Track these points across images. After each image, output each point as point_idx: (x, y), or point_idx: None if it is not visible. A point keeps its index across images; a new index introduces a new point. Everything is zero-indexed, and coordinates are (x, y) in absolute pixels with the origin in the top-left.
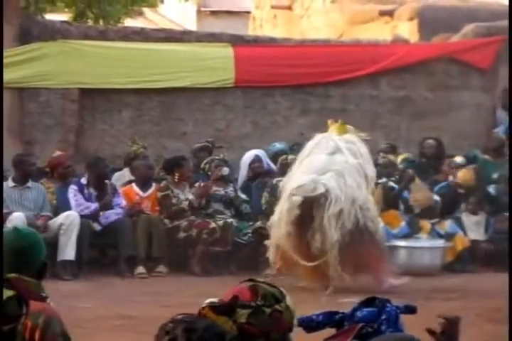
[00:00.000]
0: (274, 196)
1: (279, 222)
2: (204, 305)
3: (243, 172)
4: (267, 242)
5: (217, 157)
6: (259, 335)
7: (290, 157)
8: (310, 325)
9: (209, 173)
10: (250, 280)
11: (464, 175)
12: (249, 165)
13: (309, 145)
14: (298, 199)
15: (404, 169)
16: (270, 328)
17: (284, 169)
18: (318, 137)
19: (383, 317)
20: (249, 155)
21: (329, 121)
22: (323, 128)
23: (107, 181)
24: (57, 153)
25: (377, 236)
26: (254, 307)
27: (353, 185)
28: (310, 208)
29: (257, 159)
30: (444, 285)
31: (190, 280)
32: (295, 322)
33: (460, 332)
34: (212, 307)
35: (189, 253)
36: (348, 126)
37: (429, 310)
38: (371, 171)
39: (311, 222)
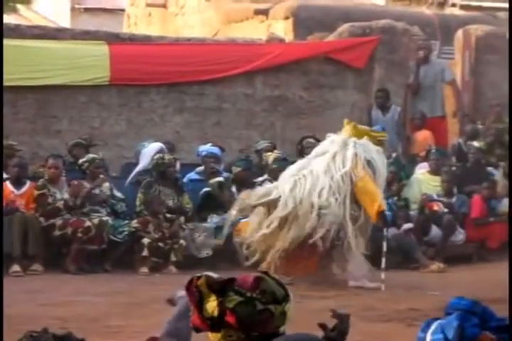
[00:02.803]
0: (148, 195)
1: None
2: (200, 275)
3: (144, 163)
4: None
5: (97, 156)
6: (237, 327)
7: (167, 157)
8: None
9: (87, 171)
10: (265, 273)
11: None
12: (154, 155)
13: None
14: (233, 213)
15: (280, 168)
16: (253, 325)
17: (159, 169)
18: (328, 139)
19: None
20: (155, 147)
21: (345, 121)
22: (199, 127)
23: None
24: None
25: (325, 242)
26: (248, 297)
27: (314, 189)
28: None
29: (162, 151)
30: (319, 284)
31: (65, 278)
32: (282, 329)
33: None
34: (208, 280)
35: (64, 251)
36: (363, 127)
37: (305, 308)
38: (345, 176)
39: None
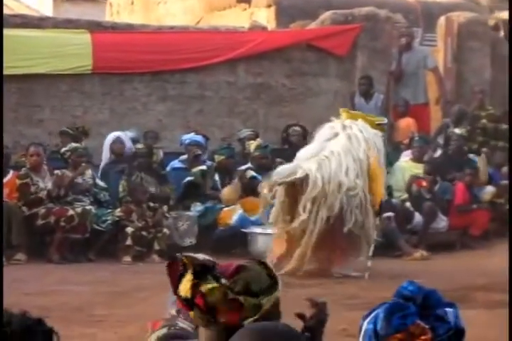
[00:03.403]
0: (131, 183)
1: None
2: (188, 256)
3: (105, 155)
4: None
5: (79, 145)
6: (204, 311)
7: (140, 146)
8: None
9: (69, 160)
10: (261, 262)
11: None
12: (110, 146)
13: (317, 134)
14: (265, 192)
15: (263, 156)
16: (219, 312)
17: (136, 158)
18: (325, 125)
19: None
20: (110, 137)
21: (341, 109)
22: (181, 115)
23: None
24: None
25: (353, 226)
26: (221, 284)
27: (340, 169)
28: (295, 193)
29: (118, 140)
30: (301, 272)
31: (49, 267)
32: (251, 320)
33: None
34: (192, 261)
35: (47, 240)
36: (358, 113)
37: (288, 297)
38: (364, 154)
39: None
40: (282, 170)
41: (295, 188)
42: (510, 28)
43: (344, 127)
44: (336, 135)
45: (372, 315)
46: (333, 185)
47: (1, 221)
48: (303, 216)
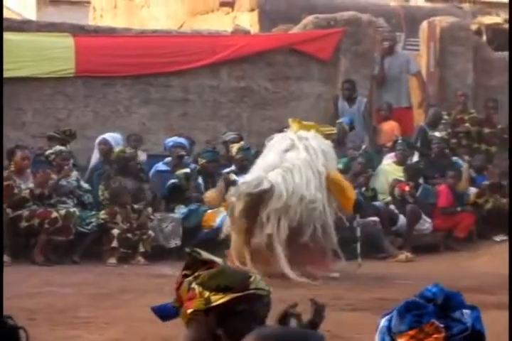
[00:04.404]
0: (108, 188)
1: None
2: (192, 250)
3: (95, 156)
4: None
5: (64, 149)
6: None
7: (129, 150)
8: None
9: (53, 163)
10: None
11: None
12: (97, 147)
13: (268, 144)
14: (233, 200)
15: (242, 158)
16: (183, 300)
17: (120, 162)
18: (277, 136)
19: None
20: (98, 139)
21: (290, 120)
22: (165, 118)
23: None
24: None
25: (324, 237)
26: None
27: (302, 182)
28: (257, 204)
29: (102, 141)
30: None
31: (33, 269)
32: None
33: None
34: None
35: (31, 242)
36: (310, 123)
37: (272, 298)
38: (323, 166)
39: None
40: (250, 181)
41: (258, 199)
42: (510, 30)
43: (300, 138)
44: (293, 146)
45: (391, 313)
46: (295, 198)
47: (1, 223)
48: (268, 229)
